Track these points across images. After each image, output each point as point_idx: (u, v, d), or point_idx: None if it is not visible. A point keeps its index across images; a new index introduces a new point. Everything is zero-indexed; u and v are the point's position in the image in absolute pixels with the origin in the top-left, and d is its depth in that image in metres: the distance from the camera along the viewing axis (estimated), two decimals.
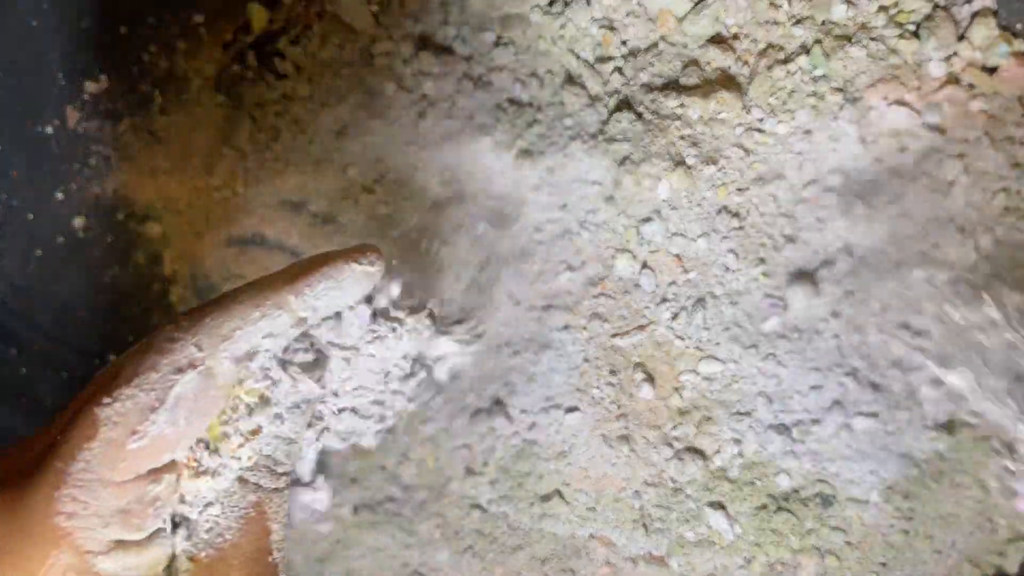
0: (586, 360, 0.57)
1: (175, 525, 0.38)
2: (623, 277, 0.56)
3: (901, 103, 0.54)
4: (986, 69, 0.54)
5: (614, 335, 0.56)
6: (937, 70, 0.54)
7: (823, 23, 0.55)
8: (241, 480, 0.39)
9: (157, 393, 0.33)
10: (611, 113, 0.56)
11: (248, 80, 0.60)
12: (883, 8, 0.54)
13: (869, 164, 0.54)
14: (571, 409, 0.57)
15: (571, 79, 0.57)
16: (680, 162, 0.55)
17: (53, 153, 0.60)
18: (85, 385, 0.61)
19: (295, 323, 0.39)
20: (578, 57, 0.57)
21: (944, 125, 0.54)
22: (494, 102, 0.58)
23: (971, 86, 0.54)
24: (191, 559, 0.37)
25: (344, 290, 0.39)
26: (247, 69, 0.60)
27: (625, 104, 0.56)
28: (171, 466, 0.35)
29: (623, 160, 0.56)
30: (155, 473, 0.34)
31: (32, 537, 0.31)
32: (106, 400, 0.33)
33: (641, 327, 0.56)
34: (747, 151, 0.55)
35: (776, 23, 0.55)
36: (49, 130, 0.60)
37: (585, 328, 0.57)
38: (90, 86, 0.60)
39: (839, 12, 0.54)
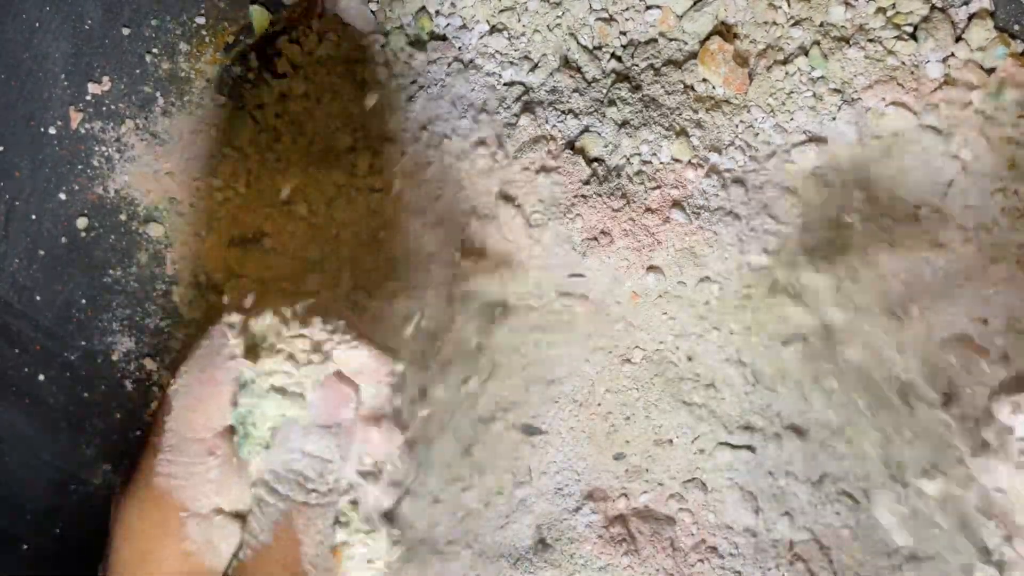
0: None
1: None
2: None
3: (899, 104, 0.54)
4: (984, 70, 0.54)
5: None
6: (935, 71, 0.54)
7: (821, 24, 0.55)
8: (270, 489, 0.44)
9: (210, 371, 0.43)
10: (611, 85, 0.57)
11: (249, 81, 0.60)
12: (881, 10, 0.54)
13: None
14: None
15: (567, 63, 0.57)
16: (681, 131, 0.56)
17: (56, 154, 0.60)
18: (86, 385, 0.61)
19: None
20: (577, 42, 0.57)
21: (941, 126, 0.54)
22: (486, 85, 0.58)
23: (969, 87, 0.54)
24: (234, 556, 0.42)
25: (361, 372, 0.46)
26: (249, 70, 0.60)
27: (624, 78, 0.57)
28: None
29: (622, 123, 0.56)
30: (227, 431, 0.43)
31: (140, 501, 0.41)
32: (172, 381, 0.43)
33: None
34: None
35: (775, 24, 0.55)
36: (52, 131, 0.60)
37: None
38: (93, 87, 0.60)
39: (837, 14, 0.54)
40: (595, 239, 0.57)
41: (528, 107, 0.57)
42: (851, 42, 0.54)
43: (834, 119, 0.55)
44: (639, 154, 0.57)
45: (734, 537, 0.57)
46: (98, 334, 0.61)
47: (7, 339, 0.61)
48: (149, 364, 0.61)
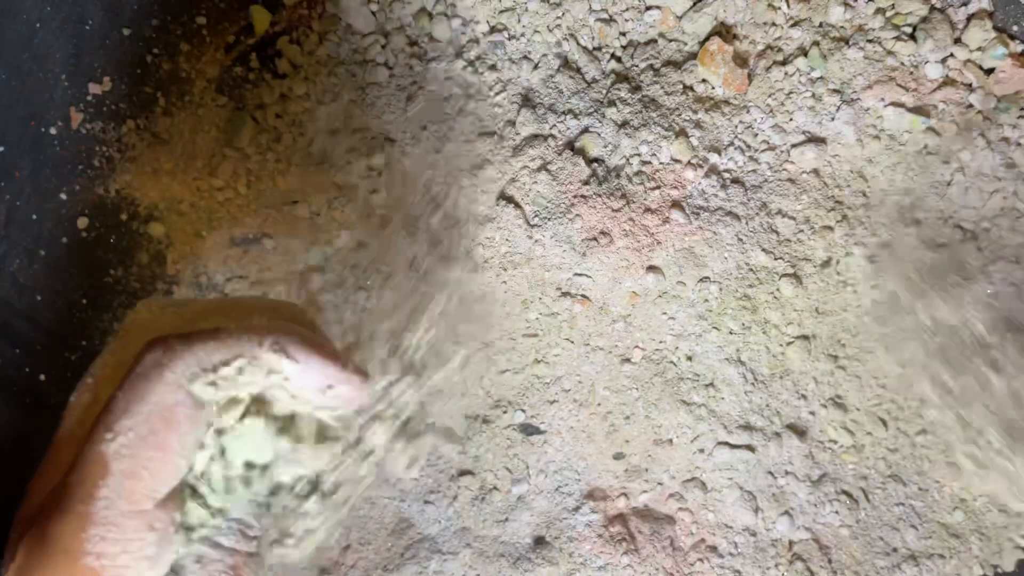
0: None
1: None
2: None
3: (898, 104, 0.54)
4: (982, 70, 0.54)
5: None
6: (934, 72, 0.54)
7: (820, 25, 0.55)
8: (214, 544, 0.38)
9: (153, 421, 0.34)
10: (611, 85, 0.57)
11: (250, 82, 0.60)
12: (880, 10, 0.54)
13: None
14: None
15: (567, 64, 0.57)
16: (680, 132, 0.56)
17: (57, 154, 0.60)
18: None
19: (267, 375, 0.37)
20: (577, 43, 0.57)
21: (940, 127, 0.54)
22: (486, 85, 0.58)
23: (968, 87, 0.54)
24: None
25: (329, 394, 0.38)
26: (249, 71, 0.60)
27: (623, 79, 0.57)
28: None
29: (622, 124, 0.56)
30: (173, 497, 0.35)
31: None
32: (108, 435, 0.34)
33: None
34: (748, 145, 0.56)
35: (774, 24, 0.55)
36: (53, 131, 0.60)
37: None
38: (93, 87, 0.60)
39: (836, 14, 0.55)
40: (595, 239, 0.57)
41: (528, 107, 0.58)
42: (850, 42, 0.55)
43: (833, 119, 0.55)
44: (639, 154, 0.57)
45: (734, 536, 0.57)
46: (98, 334, 0.61)
47: (7, 339, 0.61)
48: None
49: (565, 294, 0.58)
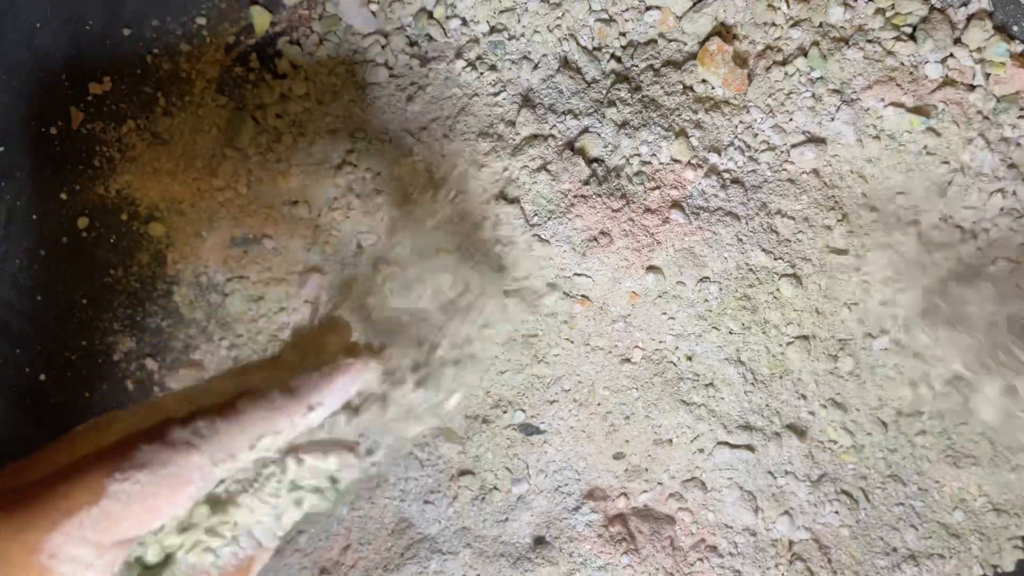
0: None
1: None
2: None
3: (897, 105, 0.54)
4: (983, 71, 0.54)
5: None
6: (934, 72, 0.54)
7: (820, 25, 0.55)
8: (248, 535, 0.39)
9: (161, 487, 0.36)
10: (611, 86, 0.57)
11: (250, 82, 0.60)
12: (880, 10, 0.54)
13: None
14: None
15: (567, 64, 0.58)
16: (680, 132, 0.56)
17: (57, 154, 0.60)
18: (87, 384, 0.61)
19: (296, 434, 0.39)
20: (577, 43, 0.57)
21: (940, 127, 0.54)
22: (486, 85, 0.58)
23: (968, 87, 0.54)
24: None
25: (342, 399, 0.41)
26: (249, 71, 0.60)
27: (623, 79, 0.57)
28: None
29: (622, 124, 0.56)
30: (134, 540, 0.36)
31: (12, 564, 0.34)
32: (119, 476, 0.36)
33: None
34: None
35: (774, 24, 0.55)
36: (53, 131, 0.60)
37: None
38: (94, 88, 0.60)
39: (836, 14, 0.55)
40: (595, 239, 0.57)
41: (528, 107, 0.58)
42: (850, 43, 0.55)
43: (833, 119, 0.55)
44: (639, 155, 0.57)
45: (734, 536, 0.57)
46: (99, 334, 0.61)
47: (7, 339, 0.61)
48: (150, 364, 0.61)
49: (565, 294, 0.58)
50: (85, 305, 0.61)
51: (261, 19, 0.60)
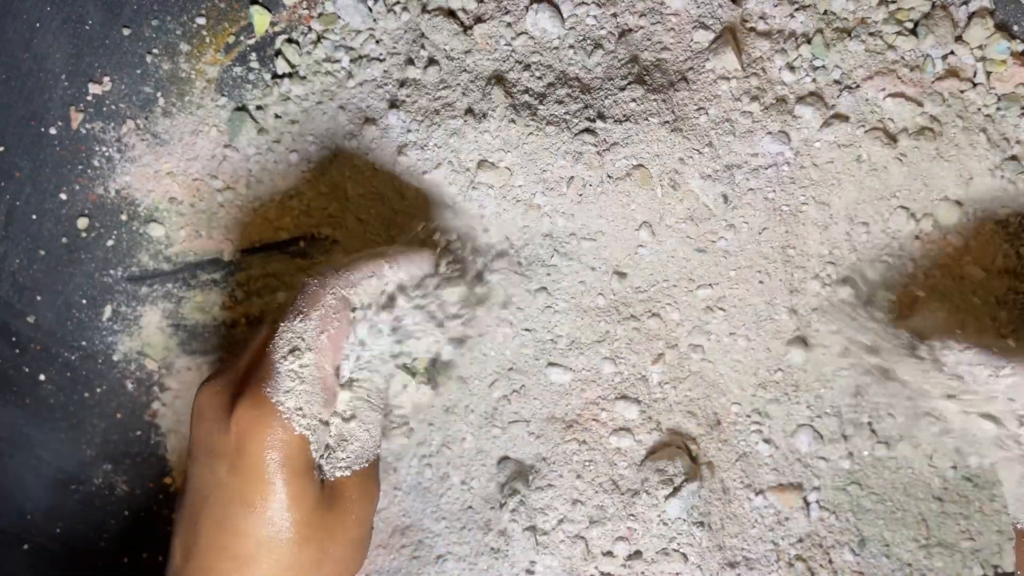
0: None
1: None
2: None
3: (899, 95, 0.54)
4: (983, 68, 0.54)
5: None
6: (934, 67, 0.54)
7: (825, 12, 0.55)
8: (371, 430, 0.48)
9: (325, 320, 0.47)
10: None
11: (250, 82, 0.60)
12: (883, 2, 0.54)
13: None
14: None
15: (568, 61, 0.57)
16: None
17: (56, 154, 0.61)
18: (86, 384, 0.61)
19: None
20: (577, 40, 0.57)
21: (940, 123, 0.54)
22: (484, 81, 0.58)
23: (969, 84, 0.54)
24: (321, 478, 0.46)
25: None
26: (249, 71, 0.60)
27: (627, 73, 0.57)
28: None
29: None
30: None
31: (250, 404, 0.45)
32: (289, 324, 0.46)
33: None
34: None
35: (778, 6, 0.55)
36: (52, 131, 0.60)
37: None
38: (93, 87, 0.60)
39: (839, 3, 0.54)
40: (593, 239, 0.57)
41: (528, 107, 0.58)
42: (852, 34, 0.54)
43: (833, 107, 0.55)
44: (638, 152, 0.57)
45: None
46: (98, 334, 0.61)
47: (7, 339, 0.61)
48: (149, 364, 0.61)
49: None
50: (85, 305, 0.61)
51: (261, 19, 0.60)
